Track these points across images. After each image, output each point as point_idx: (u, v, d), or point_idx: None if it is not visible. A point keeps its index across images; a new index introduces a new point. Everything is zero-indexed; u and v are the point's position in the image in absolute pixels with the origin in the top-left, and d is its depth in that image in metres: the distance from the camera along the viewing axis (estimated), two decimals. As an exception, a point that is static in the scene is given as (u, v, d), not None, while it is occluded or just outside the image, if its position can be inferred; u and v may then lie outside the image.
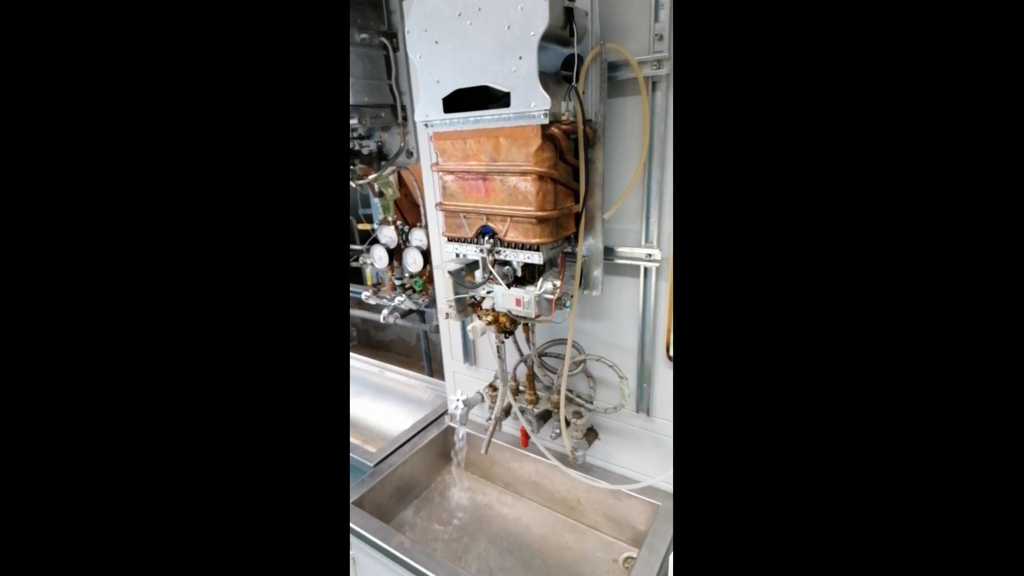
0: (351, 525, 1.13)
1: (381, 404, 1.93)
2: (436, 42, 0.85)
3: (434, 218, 1.34)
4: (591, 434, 1.21)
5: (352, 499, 1.21)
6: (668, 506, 1.12)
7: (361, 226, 2.02)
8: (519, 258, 0.91)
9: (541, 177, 0.84)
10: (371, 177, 1.43)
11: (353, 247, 1.87)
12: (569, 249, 0.99)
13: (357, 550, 1.19)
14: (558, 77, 0.90)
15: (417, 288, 1.70)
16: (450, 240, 0.99)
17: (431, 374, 1.91)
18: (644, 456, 1.18)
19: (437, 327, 1.54)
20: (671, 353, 1.05)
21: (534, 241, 0.88)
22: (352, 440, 1.66)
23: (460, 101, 0.87)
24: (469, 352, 1.42)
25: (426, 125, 0.92)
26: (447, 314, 1.08)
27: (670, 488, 1.15)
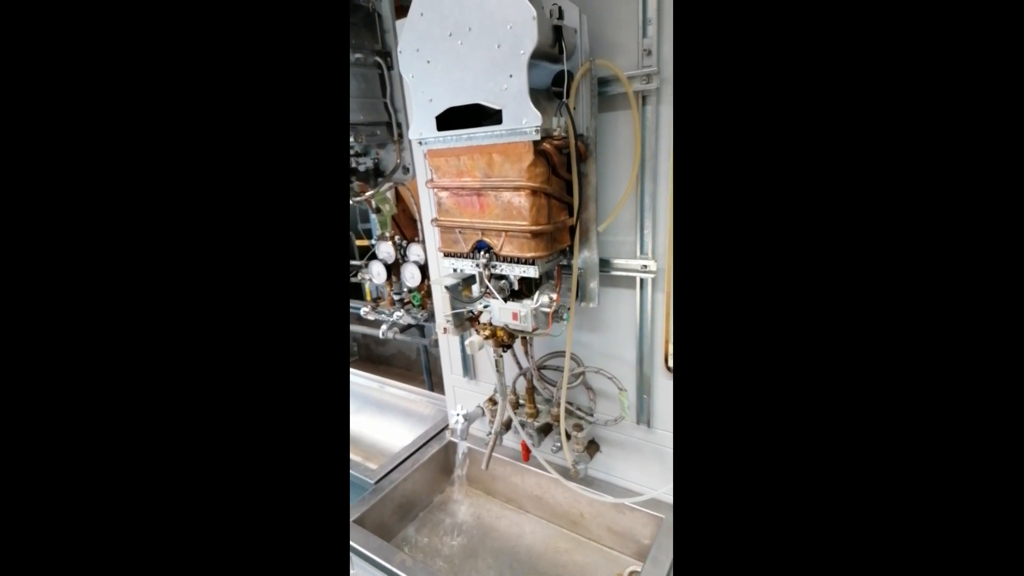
0: (353, 544, 1.12)
1: (382, 420, 1.92)
2: (428, 62, 0.86)
3: (431, 233, 1.34)
4: (592, 447, 1.20)
5: (353, 517, 1.20)
6: (672, 519, 1.11)
7: (360, 242, 2.04)
8: (515, 272, 0.92)
9: (534, 192, 0.84)
10: (368, 194, 1.44)
11: (352, 263, 1.88)
12: (565, 262, 0.99)
13: (359, 569, 1.18)
14: (549, 93, 0.91)
15: (416, 303, 1.70)
16: (446, 255, 1.00)
17: (432, 388, 1.91)
18: (646, 468, 1.17)
19: (436, 341, 1.54)
20: (670, 364, 1.05)
21: (529, 255, 0.88)
22: (353, 457, 1.65)
23: (453, 119, 0.88)
24: (468, 366, 1.42)
25: (420, 143, 0.93)
26: (445, 329, 1.08)
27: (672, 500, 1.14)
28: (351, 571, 1.21)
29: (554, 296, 0.96)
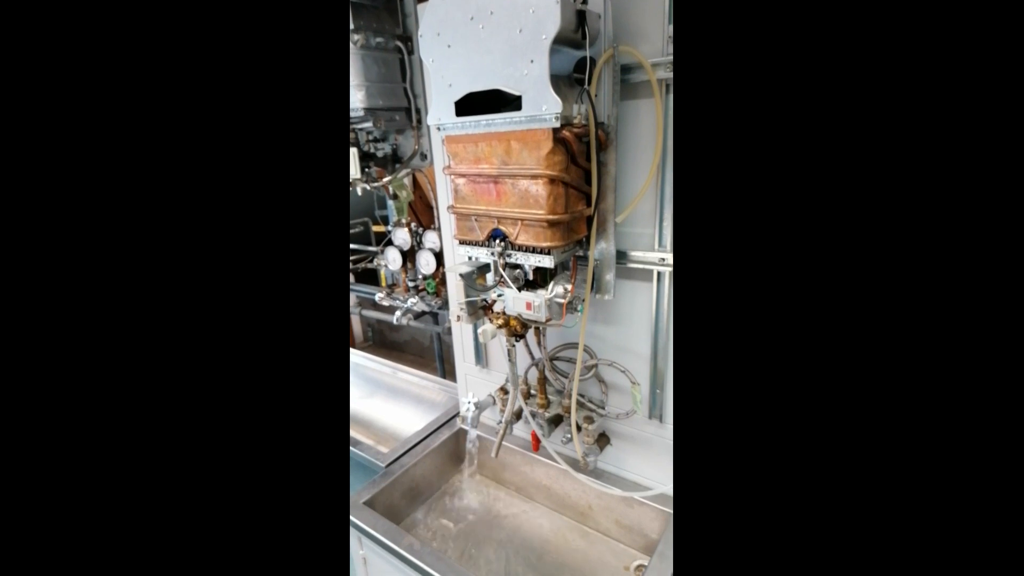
0: (362, 525, 1.14)
1: (394, 405, 1.94)
2: (449, 46, 0.85)
3: (447, 220, 1.34)
4: (603, 439, 1.20)
5: (363, 500, 1.22)
6: (680, 514, 1.10)
7: (377, 228, 2.05)
8: (530, 261, 0.91)
9: (552, 180, 0.83)
10: (385, 180, 1.44)
11: (368, 248, 1.89)
12: (581, 252, 0.98)
13: (368, 550, 1.20)
14: (570, 80, 0.89)
15: (430, 290, 1.71)
16: (462, 243, 0.99)
17: (444, 376, 1.92)
18: (656, 463, 1.16)
19: (450, 329, 1.54)
20: (684, 359, 1.03)
21: (545, 245, 0.87)
22: (365, 440, 1.68)
23: (472, 104, 0.87)
24: (481, 355, 1.42)
25: (439, 128, 0.93)
26: (458, 317, 1.08)
27: (683, 496, 1.13)
28: (360, 551, 1.23)
29: (569, 287, 0.95)
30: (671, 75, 0.86)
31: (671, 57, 0.85)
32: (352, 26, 1.18)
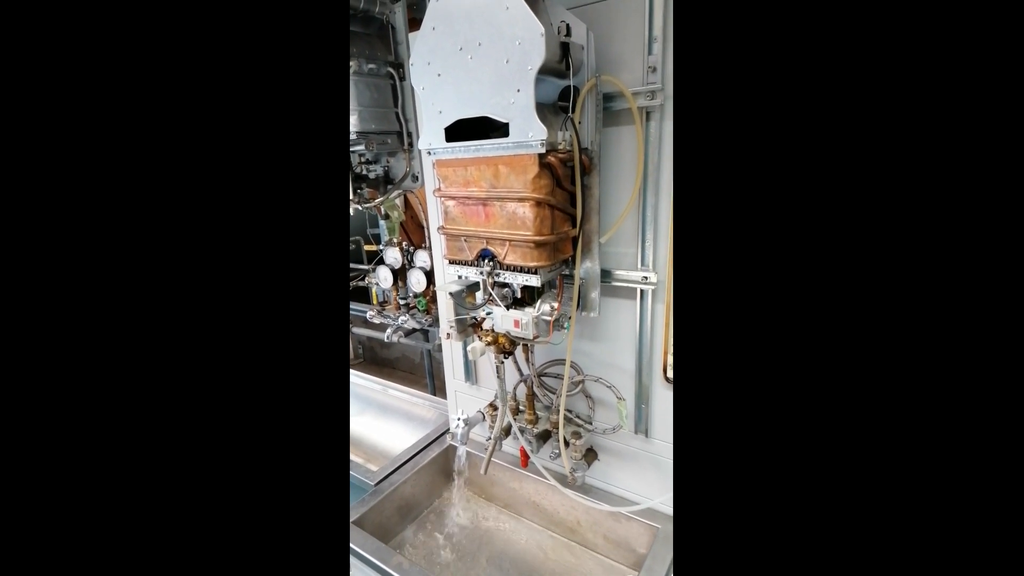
0: (351, 545, 1.14)
1: (384, 422, 1.94)
2: (439, 75, 0.89)
3: (437, 240, 1.37)
4: (590, 455, 1.21)
5: (352, 518, 1.22)
6: (668, 528, 1.11)
7: (368, 247, 2.07)
8: (518, 280, 0.94)
9: (539, 203, 0.87)
10: (378, 200, 1.47)
11: (360, 267, 1.91)
12: (567, 272, 1.01)
13: (356, 570, 1.19)
14: (555, 107, 0.93)
15: (420, 308, 1.73)
16: (451, 262, 1.02)
17: (434, 392, 1.93)
18: (643, 477, 1.18)
19: (440, 346, 1.56)
20: (669, 374, 1.06)
21: (532, 264, 0.90)
22: (354, 458, 1.68)
23: (462, 130, 0.90)
24: (470, 371, 1.44)
25: (429, 153, 0.96)
26: (448, 334, 1.10)
27: (669, 510, 1.14)
28: (350, 573, 1.22)
29: (555, 305, 0.98)
30: (651, 103, 0.90)
31: (651, 86, 0.90)
32: (346, 53, 1.22)
